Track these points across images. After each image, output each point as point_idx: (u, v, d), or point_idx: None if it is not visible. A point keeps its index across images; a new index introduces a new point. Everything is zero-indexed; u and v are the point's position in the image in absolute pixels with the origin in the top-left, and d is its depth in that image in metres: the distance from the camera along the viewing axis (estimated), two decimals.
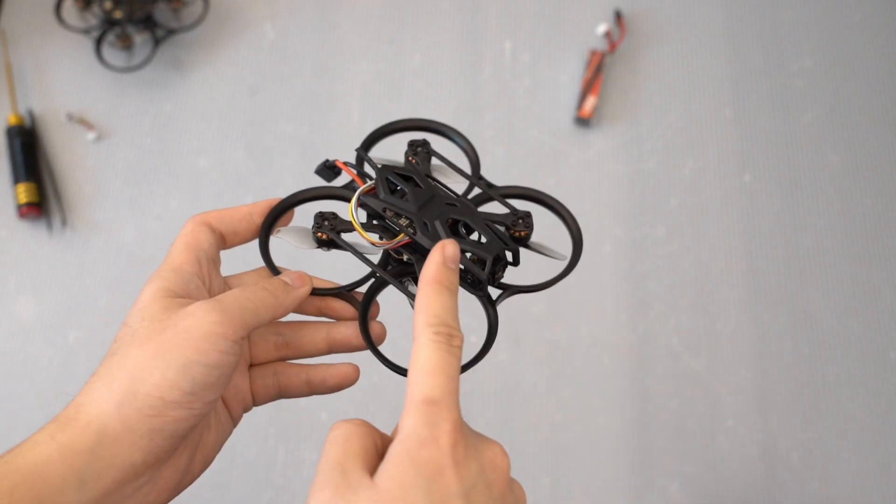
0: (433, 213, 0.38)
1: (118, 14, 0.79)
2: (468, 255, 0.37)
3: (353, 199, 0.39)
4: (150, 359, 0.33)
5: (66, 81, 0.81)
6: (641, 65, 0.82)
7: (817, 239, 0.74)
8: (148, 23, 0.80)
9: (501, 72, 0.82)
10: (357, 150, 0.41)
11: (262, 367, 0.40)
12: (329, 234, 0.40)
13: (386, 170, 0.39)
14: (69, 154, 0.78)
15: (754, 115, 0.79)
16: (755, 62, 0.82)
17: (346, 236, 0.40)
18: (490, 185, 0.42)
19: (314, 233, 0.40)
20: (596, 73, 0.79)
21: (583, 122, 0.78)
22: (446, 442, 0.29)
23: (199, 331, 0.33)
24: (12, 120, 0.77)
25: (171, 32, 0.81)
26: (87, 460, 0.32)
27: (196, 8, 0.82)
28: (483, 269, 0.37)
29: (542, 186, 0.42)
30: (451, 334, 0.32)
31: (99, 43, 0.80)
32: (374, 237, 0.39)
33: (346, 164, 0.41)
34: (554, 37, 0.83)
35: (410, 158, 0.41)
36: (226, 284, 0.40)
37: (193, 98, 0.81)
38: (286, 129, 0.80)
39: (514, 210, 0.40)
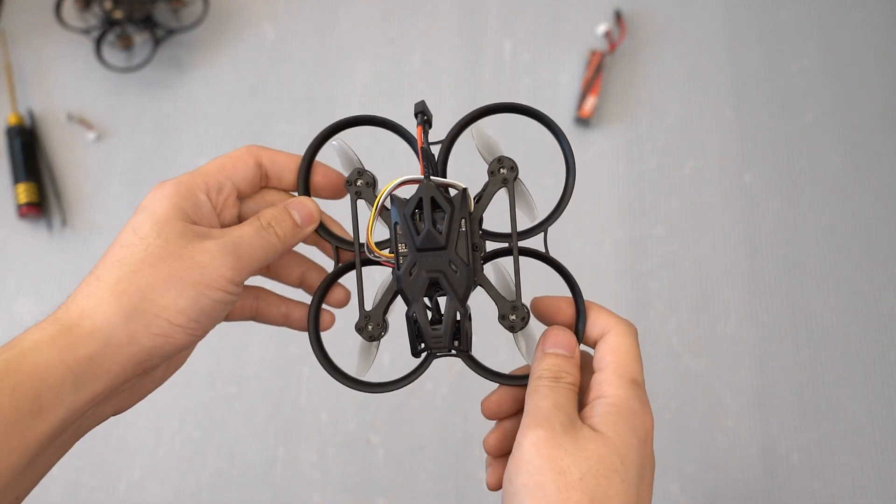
0: (428, 262, 0.37)
1: (118, 14, 0.79)
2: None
3: (389, 187, 0.39)
4: (162, 281, 0.35)
5: (65, 81, 0.81)
6: (641, 65, 0.82)
7: (817, 239, 0.74)
8: (148, 23, 0.80)
9: (501, 72, 0.82)
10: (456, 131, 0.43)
11: (245, 289, 0.43)
12: (357, 189, 0.40)
13: (431, 189, 0.37)
14: (69, 154, 0.78)
15: (754, 115, 0.79)
16: (755, 62, 0.82)
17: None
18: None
19: (347, 181, 0.40)
20: (596, 73, 0.79)
21: (583, 122, 0.78)
22: (650, 420, 0.36)
23: (213, 272, 0.36)
24: (12, 120, 0.77)
25: (171, 32, 0.81)
26: (87, 366, 0.33)
27: (196, 8, 0.82)
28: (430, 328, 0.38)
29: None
30: (631, 323, 0.38)
31: (99, 43, 0.80)
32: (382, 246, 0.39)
33: (424, 134, 0.40)
34: (554, 37, 0.83)
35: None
36: (239, 215, 0.41)
37: (193, 98, 0.81)
38: (286, 129, 0.80)
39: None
